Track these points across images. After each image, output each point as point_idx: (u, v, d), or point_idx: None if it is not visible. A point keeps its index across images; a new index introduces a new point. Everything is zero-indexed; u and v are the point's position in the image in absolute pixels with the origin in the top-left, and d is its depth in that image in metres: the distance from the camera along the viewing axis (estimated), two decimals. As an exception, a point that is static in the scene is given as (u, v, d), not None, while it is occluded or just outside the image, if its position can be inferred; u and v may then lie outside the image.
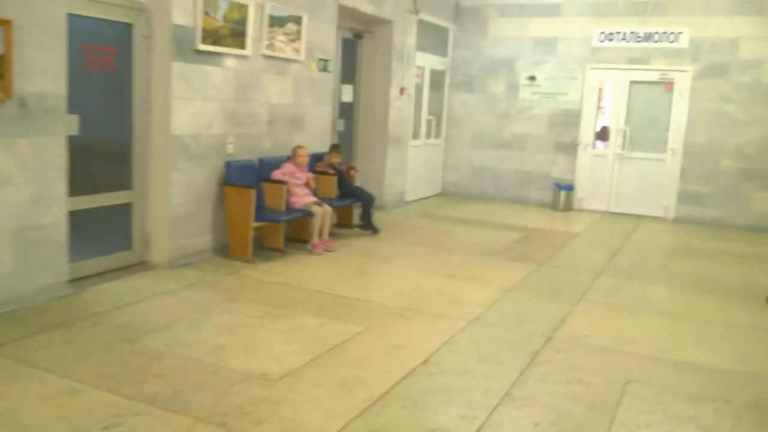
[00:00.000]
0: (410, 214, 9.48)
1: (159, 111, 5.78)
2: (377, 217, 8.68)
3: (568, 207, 10.66)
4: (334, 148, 7.79)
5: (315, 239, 6.80)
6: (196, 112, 6.01)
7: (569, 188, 10.64)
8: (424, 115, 10.82)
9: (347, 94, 9.13)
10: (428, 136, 11.00)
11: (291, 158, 6.95)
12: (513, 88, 11.08)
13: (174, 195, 5.86)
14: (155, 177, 5.88)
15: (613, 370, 4.11)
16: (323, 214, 6.83)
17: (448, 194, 11.64)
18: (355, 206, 7.97)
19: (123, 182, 5.74)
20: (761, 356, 4.56)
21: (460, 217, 9.41)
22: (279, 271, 5.99)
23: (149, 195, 5.90)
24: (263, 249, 6.72)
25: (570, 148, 10.77)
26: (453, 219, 9.28)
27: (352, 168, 8.09)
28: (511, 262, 6.88)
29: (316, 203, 6.83)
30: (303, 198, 6.82)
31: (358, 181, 9.39)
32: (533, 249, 7.61)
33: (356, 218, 7.99)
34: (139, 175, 5.82)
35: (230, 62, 6.33)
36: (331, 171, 7.67)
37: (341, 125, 8.91)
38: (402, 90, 9.72)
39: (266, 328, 4.50)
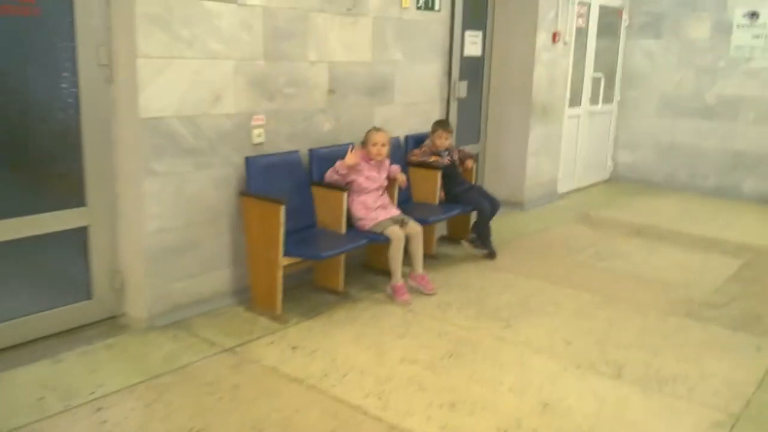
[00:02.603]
0: (561, 217, 6.61)
1: (125, 79, 3.54)
2: (510, 221, 6.02)
3: (808, 206, 7.16)
4: (440, 125, 5.16)
5: (397, 280, 4.26)
6: (191, 78, 3.68)
7: (811, 179, 7.12)
8: (589, 72, 7.74)
9: (473, 46, 6.37)
10: (594, 101, 7.91)
11: (363, 146, 4.45)
12: (723, 30, 7.61)
13: (151, 214, 3.63)
14: (124, 186, 3.68)
15: None
16: (408, 239, 4.29)
17: (619, 180, 8.51)
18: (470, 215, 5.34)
19: (72, 195, 3.59)
20: None
21: (637, 224, 6.37)
22: (314, 346, 3.57)
23: (118, 214, 3.72)
24: (316, 289, 4.35)
25: (815, 117, 7.20)
26: (626, 227, 6.27)
27: (469, 156, 5.41)
28: (727, 333, 3.92)
29: (394, 220, 4.30)
30: (374, 212, 4.31)
31: (487, 174, 6.74)
32: (762, 299, 4.52)
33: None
34: (99, 184, 3.64)
35: (252, -5, 3.93)
36: (434, 161, 5.06)
37: (463, 90, 6.20)
38: (555, 36, 6.77)
39: None
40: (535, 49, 6.55)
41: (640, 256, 5.42)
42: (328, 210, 4.22)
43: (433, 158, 5.03)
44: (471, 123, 6.56)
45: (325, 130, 4.53)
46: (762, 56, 7.43)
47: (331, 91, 4.52)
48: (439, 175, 4.99)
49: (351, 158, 4.15)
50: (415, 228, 4.33)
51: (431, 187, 5.01)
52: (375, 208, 4.31)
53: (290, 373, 3.25)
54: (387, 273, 4.43)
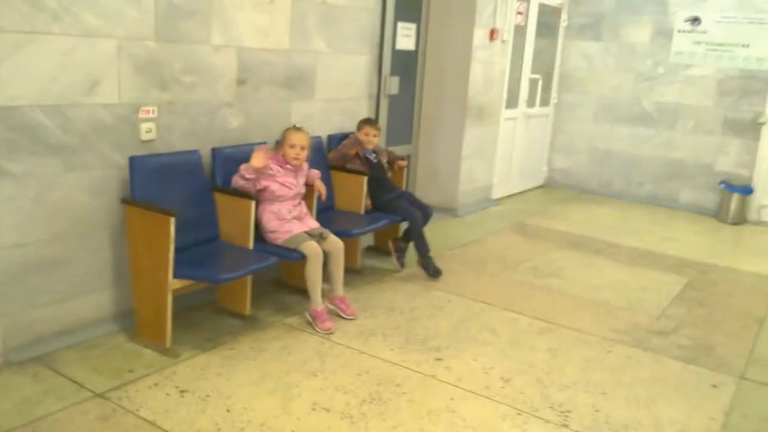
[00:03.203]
0: (496, 225, 6.19)
1: (-29, 56, 2.82)
2: (443, 229, 5.55)
3: (741, 218, 7.00)
4: (367, 122, 4.62)
5: (317, 304, 3.66)
6: (60, 59, 2.99)
7: (746, 190, 6.96)
8: (526, 72, 7.37)
9: (406, 39, 5.85)
10: (530, 103, 7.55)
11: (278, 147, 3.85)
12: (664, 34, 7.39)
13: (5, 224, 2.92)
14: (-30, 189, 2.96)
15: None
16: (327, 255, 3.71)
17: (553, 186, 8.20)
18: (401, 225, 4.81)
19: None
20: None
21: (574, 234, 6.03)
22: (207, 389, 2.95)
23: (-38, 224, 3.00)
24: (218, 311, 3.73)
25: (750, 128, 7.04)
26: (562, 238, 5.91)
27: (399, 159, 4.90)
28: (679, 367, 3.54)
29: (311, 234, 3.72)
30: (288, 223, 3.72)
31: (419, 177, 6.27)
32: (712, 325, 4.19)
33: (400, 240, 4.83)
34: (-64, 186, 2.91)
35: (141, -38, 3.25)
36: (359, 163, 4.52)
37: (394, 86, 5.67)
38: (493, 34, 6.34)
39: None
40: (472, 46, 6.10)
41: (579, 272, 5.03)
42: (234, 221, 3.60)
43: (354, 150, 4.48)
44: (402, 122, 6.04)
45: (232, 127, 3.89)
46: (702, 63, 7.23)
47: (240, 82, 3.89)
48: (365, 180, 4.44)
49: (257, 159, 3.54)
50: (335, 243, 3.76)
51: (356, 194, 4.45)
52: (289, 219, 3.71)
53: (172, 428, 2.62)
54: (303, 292, 3.85)
